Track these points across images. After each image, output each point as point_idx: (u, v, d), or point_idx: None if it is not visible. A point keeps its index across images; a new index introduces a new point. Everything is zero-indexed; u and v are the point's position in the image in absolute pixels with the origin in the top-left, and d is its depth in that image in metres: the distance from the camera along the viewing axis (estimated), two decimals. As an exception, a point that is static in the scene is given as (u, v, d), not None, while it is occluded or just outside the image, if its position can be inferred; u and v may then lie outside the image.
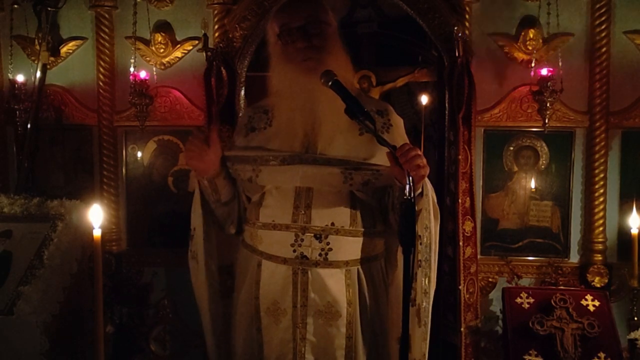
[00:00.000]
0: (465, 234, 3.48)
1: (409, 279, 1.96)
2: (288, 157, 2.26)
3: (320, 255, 2.25)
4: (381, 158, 2.24)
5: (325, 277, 2.27)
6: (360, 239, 2.31)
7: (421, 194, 2.15)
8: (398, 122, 2.42)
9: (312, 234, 2.25)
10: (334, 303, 2.28)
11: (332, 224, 2.26)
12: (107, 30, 3.82)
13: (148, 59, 3.80)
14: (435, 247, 2.29)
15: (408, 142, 2.32)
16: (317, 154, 2.26)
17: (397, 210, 2.23)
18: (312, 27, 2.24)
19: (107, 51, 3.83)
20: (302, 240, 2.25)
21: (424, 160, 2.03)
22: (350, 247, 2.29)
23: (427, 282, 2.27)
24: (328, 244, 2.25)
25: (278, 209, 2.29)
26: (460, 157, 3.45)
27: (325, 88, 2.14)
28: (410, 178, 1.94)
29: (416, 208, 2.04)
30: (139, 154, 3.90)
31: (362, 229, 2.30)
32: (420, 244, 2.19)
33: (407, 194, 1.91)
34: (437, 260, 2.33)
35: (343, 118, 2.20)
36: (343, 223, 2.27)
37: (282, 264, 2.29)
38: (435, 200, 2.29)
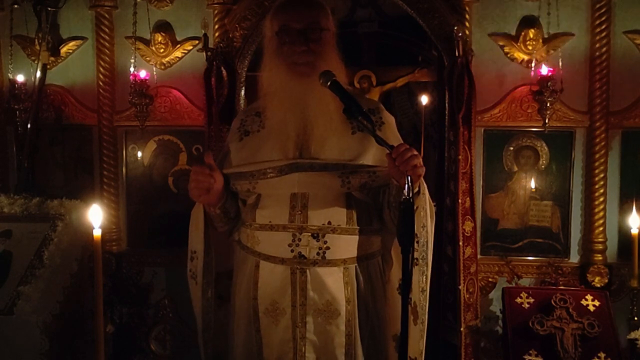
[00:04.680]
0: (465, 233, 3.48)
1: (409, 277, 1.96)
2: (285, 166, 2.26)
3: (318, 254, 2.26)
4: (375, 156, 2.26)
5: (324, 275, 2.27)
6: (358, 237, 2.31)
7: (418, 192, 2.15)
8: (390, 119, 2.42)
9: (310, 234, 2.25)
10: (332, 301, 2.29)
11: (329, 222, 2.26)
12: (107, 30, 3.82)
13: (148, 59, 3.81)
14: (430, 245, 2.30)
15: (400, 139, 2.34)
16: (311, 155, 2.26)
17: (394, 208, 2.24)
18: (313, 32, 2.24)
19: (107, 51, 3.83)
20: (300, 240, 2.26)
21: (420, 160, 2.04)
22: (347, 245, 2.30)
23: (425, 280, 2.28)
24: (325, 242, 2.26)
25: (275, 210, 2.29)
26: (460, 157, 3.45)
27: (317, 90, 2.15)
28: (409, 178, 1.94)
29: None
30: (139, 154, 3.89)
31: (359, 227, 2.31)
32: (417, 242, 2.19)
33: (406, 194, 1.92)
34: (431, 258, 2.33)
35: (335, 119, 2.22)
36: (340, 221, 2.27)
37: (280, 264, 2.29)
38: (430, 200, 2.30)
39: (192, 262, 2.47)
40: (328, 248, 2.26)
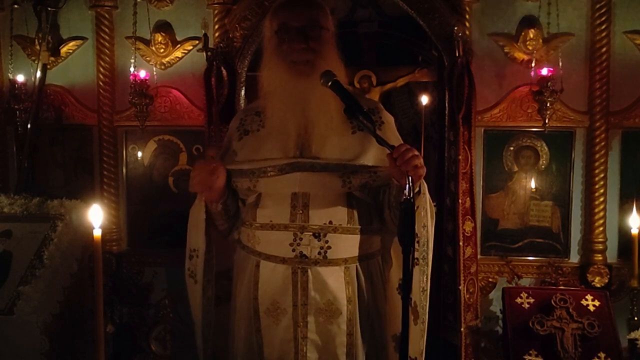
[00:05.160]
0: (466, 234, 3.48)
1: (409, 277, 1.96)
2: (286, 165, 2.25)
3: (319, 253, 2.26)
4: (375, 156, 2.26)
5: (325, 275, 2.27)
6: (358, 237, 2.31)
7: (419, 192, 2.15)
8: (389, 119, 2.43)
9: (311, 233, 2.25)
10: (334, 301, 2.28)
11: (330, 222, 2.26)
12: (107, 30, 3.82)
13: (148, 59, 3.80)
14: (431, 245, 2.30)
15: (400, 139, 2.35)
16: (312, 155, 2.26)
17: (394, 208, 2.24)
18: (312, 30, 2.25)
19: (107, 51, 3.83)
20: (301, 239, 2.25)
21: (421, 160, 2.04)
22: (348, 245, 2.30)
23: (425, 280, 2.28)
24: (327, 242, 2.26)
25: (275, 209, 2.29)
26: (460, 157, 3.45)
27: (317, 89, 2.15)
28: (410, 178, 1.94)
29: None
30: (139, 154, 3.89)
31: (360, 227, 2.31)
32: (418, 242, 2.19)
33: (407, 194, 1.91)
34: (432, 258, 2.34)
35: (335, 118, 2.22)
36: (341, 221, 2.27)
37: (281, 264, 2.28)
38: (430, 200, 2.30)
39: (191, 261, 2.45)
40: (329, 247, 2.26)
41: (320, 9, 2.32)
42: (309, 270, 2.27)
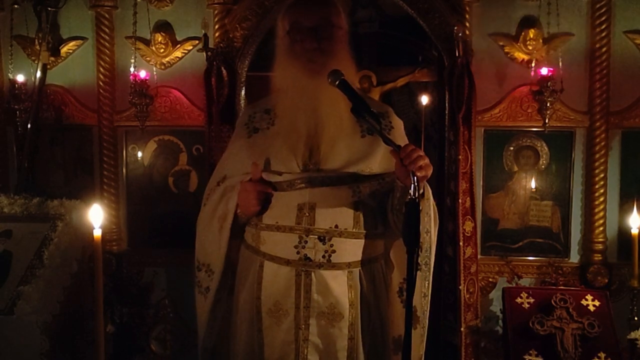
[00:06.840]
0: (466, 234, 3.48)
1: (412, 280, 1.93)
2: (296, 180, 2.25)
3: (323, 257, 2.25)
4: (382, 161, 2.26)
5: (329, 278, 2.26)
6: (363, 241, 2.30)
7: (422, 195, 2.14)
8: (398, 124, 2.43)
9: (316, 236, 2.24)
10: (336, 304, 2.27)
11: (336, 226, 2.25)
12: (107, 30, 3.82)
13: (148, 59, 3.80)
14: (433, 251, 2.29)
15: (409, 143, 2.34)
16: (320, 158, 2.26)
17: (397, 210, 2.23)
18: (324, 29, 2.23)
19: (107, 51, 3.83)
20: (306, 242, 2.24)
21: (427, 161, 2.04)
22: (353, 249, 2.29)
23: (427, 286, 2.28)
24: (332, 246, 2.25)
25: (282, 211, 2.28)
26: (460, 157, 3.45)
27: (328, 89, 2.14)
28: (415, 178, 1.93)
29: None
30: (140, 154, 3.89)
31: (365, 231, 2.30)
32: (421, 247, 2.18)
33: (412, 194, 1.90)
34: (433, 264, 2.34)
35: (345, 120, 2.21)
36: (347, 225, 2.26)
37: (285, 266, 2.27)
38: (435, 206, 2.29)
39: (200, 273, 2.47)
40: (334, 251, 2.25)
41: (332, 7, 2.31)
42: (312, 273, 2.25)
